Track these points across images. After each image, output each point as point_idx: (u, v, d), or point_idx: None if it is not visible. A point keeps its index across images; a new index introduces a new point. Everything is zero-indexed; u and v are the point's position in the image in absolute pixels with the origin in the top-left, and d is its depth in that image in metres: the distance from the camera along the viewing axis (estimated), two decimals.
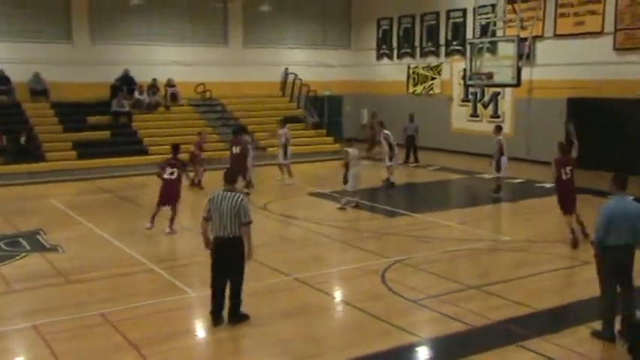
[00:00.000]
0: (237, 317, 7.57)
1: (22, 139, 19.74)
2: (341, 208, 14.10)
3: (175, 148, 12.41)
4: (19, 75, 21.74)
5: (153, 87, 23.92)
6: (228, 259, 7.48)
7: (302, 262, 10.22)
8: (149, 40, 24.47)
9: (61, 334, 7.29)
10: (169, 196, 11.97)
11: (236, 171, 8.10)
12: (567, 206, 11.15)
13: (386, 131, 17.28)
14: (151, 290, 8.89)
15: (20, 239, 11.56)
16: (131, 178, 18.97)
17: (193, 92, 24.60)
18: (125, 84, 23.45)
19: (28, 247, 11.09)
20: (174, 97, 24.30)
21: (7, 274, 9.61)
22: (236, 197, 7.45)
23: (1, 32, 21.99)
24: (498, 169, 15.54)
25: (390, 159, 17.13)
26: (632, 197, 7.39)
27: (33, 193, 16.89)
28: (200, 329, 7.69)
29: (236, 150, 16.01)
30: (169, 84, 24.29)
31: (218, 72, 25.13)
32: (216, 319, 7.53)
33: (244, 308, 7.67)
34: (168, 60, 24.52)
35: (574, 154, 11.66)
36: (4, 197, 16.43)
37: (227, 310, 7.58)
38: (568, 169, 11.14)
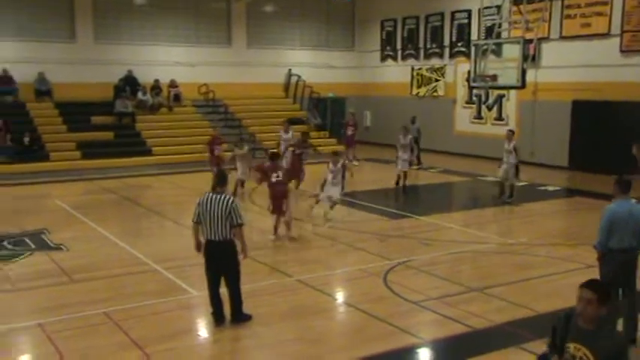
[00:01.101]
0: (240, 318, 7.60)
1: (26, 140, 19.84)
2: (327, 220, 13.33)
3: (275, 155, 12.75)
4: (23, 75, 21.85)
5: (156, 88, 24.00)
6: (221, 263, 7.47)
7: (304, 264, 10.25)
8: (153, 40, 24.56)
9: (66, 332, 7.32)
10: (281, 200, 11.66)
11: (227, 173, 8.04)
12: None
13: (410, 136, 17.52)
14: (154, 290, 8.92)
15: (25, 238, 11.61)
16: (135, 179, 19.02)
17: (196, 93, 24.67)
18: (128, 84, 23.56)
19: (33, 246, 11.14)
20: (177, 97, 24.37)
21: (13, 273, 9.66)
22: (226, 200, 7.38)
23: (6, 32, 22.09)
24: (517, 174, 15.17)
25: (410, 164, 17.54)
26: (635, 200, 7.39)
27: (37, 192, 16.95)
28: (202, 329, 7.72)
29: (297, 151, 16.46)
30: (172, 85, 24.37)
31: (221, 73, 25.21)
32: (217, 319, 7.56)
33: (246, 308, 7.70)
34: (172, 60, 24.61)
35: None
36: (9, 197, 16.51)
37: (229, 310, 7.61)
38: None
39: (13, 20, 22.29)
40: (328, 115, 27.51)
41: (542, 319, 7.81)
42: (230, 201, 7.39)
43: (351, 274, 9.79)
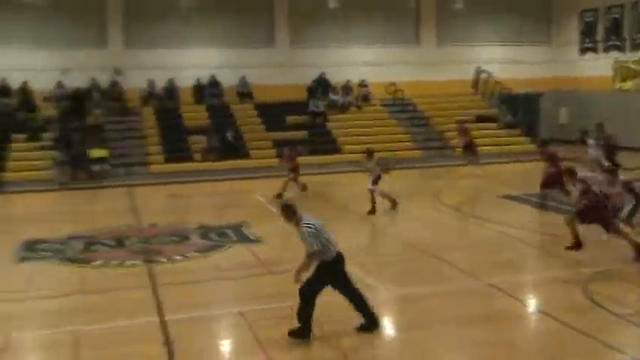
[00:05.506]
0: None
1: (229, 135, 21.51)
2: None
3: (545, 142, 14.06)
4: (228, 79, 23.74)
5: (346, 88, 24.69)
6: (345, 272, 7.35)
7: (495, 267, 9.89)
8: (344, 42, 25.31)
9: (264, 322, 7.73)
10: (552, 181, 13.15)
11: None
12: None
13: None
14: None
15: (228, 230, 12.56)
16: (325, 176, 19.68)
17: (385, 92, 24.94)
18: (321, 85, 24.51)
19: (235, 238, 12.01)
20: (366, 97, 24.85)
21: (218, 263, 10.51)
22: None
23: (213, 40, 24.15)
24: None
25: None
26: None
27: (238, 187, 18.26)
28: (388, 326, 7.74)
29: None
30: (362, 84, 24.90)
31: (410, 71, 25.25)
32: (309, 332, 7.21)
33: (432, 310, 7.58)
34: (361, 61, 25.13)
35: None
36: (214, 191, 18.01)
37: (366, 317, 7.34)
38: None
39: (220, 29, 24.28)
40: (520, 112, 26.25)
41: None
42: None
43: (545, 281, 9.29)
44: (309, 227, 7.03)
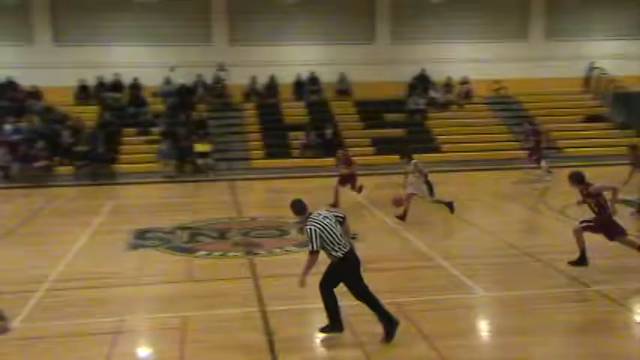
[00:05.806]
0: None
1: (328, 132, 21.70)
2: None
3: (635, 146, 13.36)
4: (327, 76, 23.97)
5: (447, 85, 24.28)
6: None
7: (603, 273, 9.39)
8: (445, 38, 24.88)
9: (360, 317, 7.66)
10: None
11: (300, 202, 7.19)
12: None
13: None
14: (439, 285, 9.05)
15: None
16: None
17: (488, 89, 24.30)
18: (421, 82, 24.25)
19: None
20: (467, 94, 24.33)
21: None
22: (337, 214, 7.22)
23: (314, 37, 24.43)
24: None
25: None
26: None
27: (332, 185, 18.33)
28: (486, 329, 7.60)
29: None
30: (463, 81, 24.39)
31: (515, 68, 24.44)
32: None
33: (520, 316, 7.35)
34: (464, 57, 24.62)
35: None
36: (309, 189, 18.15)
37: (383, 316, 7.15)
38: None
39: (320, 26, 24.53)
40: (635, 112, 24.74)
41: None
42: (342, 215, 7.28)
43: None
44: (312, 226, 6.94)
